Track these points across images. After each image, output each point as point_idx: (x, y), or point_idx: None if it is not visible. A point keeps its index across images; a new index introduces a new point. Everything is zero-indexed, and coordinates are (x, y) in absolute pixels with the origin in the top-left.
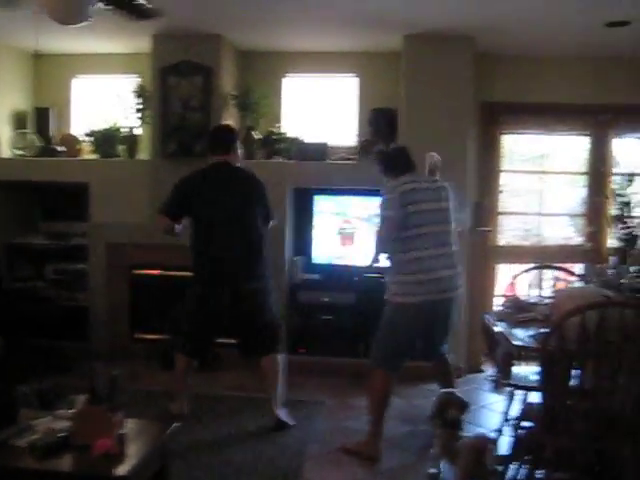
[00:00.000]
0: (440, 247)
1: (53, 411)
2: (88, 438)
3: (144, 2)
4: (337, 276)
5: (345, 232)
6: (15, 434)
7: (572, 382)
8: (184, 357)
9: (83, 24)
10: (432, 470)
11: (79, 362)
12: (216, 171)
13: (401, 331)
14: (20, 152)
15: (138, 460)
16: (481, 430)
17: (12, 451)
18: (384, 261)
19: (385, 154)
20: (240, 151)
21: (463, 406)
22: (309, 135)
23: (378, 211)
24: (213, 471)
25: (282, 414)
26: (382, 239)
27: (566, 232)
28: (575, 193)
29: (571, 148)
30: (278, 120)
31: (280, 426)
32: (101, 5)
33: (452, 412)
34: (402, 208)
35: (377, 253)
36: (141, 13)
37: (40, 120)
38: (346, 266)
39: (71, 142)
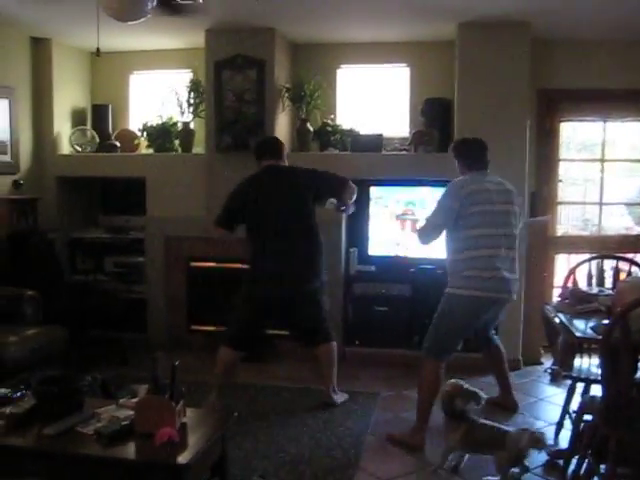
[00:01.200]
0: (504, 249)
1: (117, 400)
2: (151, 426)
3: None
4: (392, 268)
5: (406, 218)
6: (81, 422)
7: (636, 374)
8: (229, 350)
9: (141, 20)
10: (450, 463)
11: (138, 353)
12: (265, 174)
13: (457, 323)
14: (79, 148)
15: (199, 449)
16: (539, 423)
17: (79, 438)
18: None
19: (462, 141)
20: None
21: (470, 396)
22: (363, 126)
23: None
24: (270, 461)
25: (338, 398)
26: (426, 234)
27: (626, 221)
28: (634, 181)
29: (631, 135)
30: (332, 112)
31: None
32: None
33: (459, 402)
34: (459, 213)
35: (424, 239)
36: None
37: (99, 116)
38: (401, 257)
39: (128, 137)
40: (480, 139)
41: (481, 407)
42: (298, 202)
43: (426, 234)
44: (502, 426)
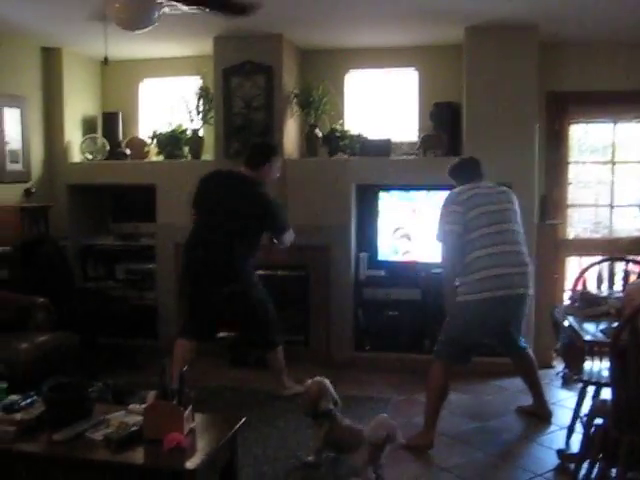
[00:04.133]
0: (504, 245)
1: (126, 406)
2: (159, 432)
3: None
4: (402, 272)
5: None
6: (90, 427)
7: None
8: (181, 340)
9: (148, 29)
10: (310, 458)
11: (149, 359)
12: (226, 177)
13: (466, 328)
14: (90, 156)
15: (208, 454)
16: (551, 427)
17: (88, 443)
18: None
19: (453, 164)
20: (269, 170)
21: (332, 397)
22: (372, 131)
23: (439, 220)
24: (279, 466)
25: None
26: (449, 258)
27: (638, 224)
28: None
29: None
30: (341, 117)
31: None
32: (167, 10)
33: (323, 403)
34: (464, 217)
35: (448, 273)
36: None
37: (109, 124)
38: (411, 262)
39: (138, 145)
40: (471, 158)
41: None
42: (241, 216)
43: (449, 257)
44: (359, 426)
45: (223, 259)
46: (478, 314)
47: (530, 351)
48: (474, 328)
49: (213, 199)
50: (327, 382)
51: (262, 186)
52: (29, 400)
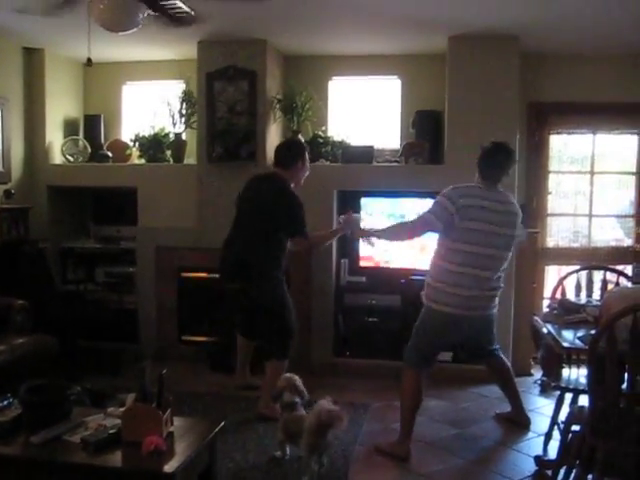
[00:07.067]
0: (485, 271)
1: (104, 409)
2: (138, 435)
3: (184, 10)
4: (382, 279)
5: None
6: (68, 430)
7: (623, 385)
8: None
9: (132, 31)
10: (277, 453)
11: (128, 363)
12: (257, 179)
13: (432, 335)
14: (71, 158)
15: (186, 457)
16: (529, 434)
17: (65, 446)
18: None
19: (485, 148)
20: (302, 167)
21: (299, 390)
22: (354, 138)
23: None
24: (259, 471)
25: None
26: (410, 228)
27: (616, 234)
28: (625, 194)
29: (620, 148)
30: (323, 123)
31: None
32: (149, 12)
33: (287, 395)
34: (450, 218)
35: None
36: (179, 20)
37: (90, 127)
38: (392, 269)
39: (120, 148)
40: (501, 147)
41: (304, 402)
42: (256, 216)
43: (410, 227)
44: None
45: (234, 255)
46: (442, 325)
47: (502, 356)
48: (438, 336)
49: (243, 198)
50: (296, 377)
51: (286, 184)
52: (6, 402)
